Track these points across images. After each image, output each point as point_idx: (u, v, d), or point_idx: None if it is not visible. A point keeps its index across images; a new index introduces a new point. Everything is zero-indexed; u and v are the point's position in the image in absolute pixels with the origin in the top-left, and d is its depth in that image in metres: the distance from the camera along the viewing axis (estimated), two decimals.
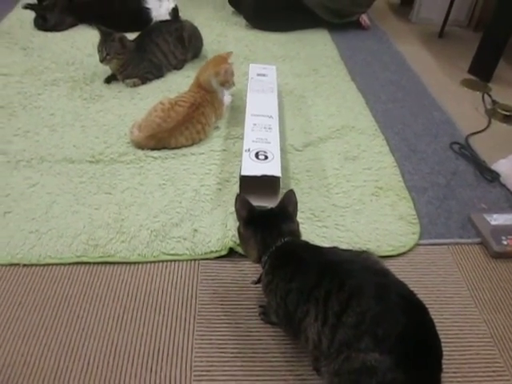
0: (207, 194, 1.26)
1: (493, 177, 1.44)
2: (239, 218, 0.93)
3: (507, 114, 1.77)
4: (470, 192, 1.39)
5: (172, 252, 1.10)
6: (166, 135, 1.39)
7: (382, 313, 0.73)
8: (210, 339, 0.94)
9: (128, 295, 1.02)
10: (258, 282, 0.95)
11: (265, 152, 1.21)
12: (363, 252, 0.87)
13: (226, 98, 1.63)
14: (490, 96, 1.88)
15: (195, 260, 1.10)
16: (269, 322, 0.97)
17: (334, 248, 0.90)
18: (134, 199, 1.24)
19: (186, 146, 1.43)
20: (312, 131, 1.57)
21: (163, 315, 0.98)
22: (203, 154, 1.42)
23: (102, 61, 1.68)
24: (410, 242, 1.18)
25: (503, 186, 1.42)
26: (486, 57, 2.04)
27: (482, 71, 2.06)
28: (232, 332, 0.95)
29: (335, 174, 1.38)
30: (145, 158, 1.39)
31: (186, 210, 1.21)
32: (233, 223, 1.16)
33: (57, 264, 1.07)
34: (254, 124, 1.33)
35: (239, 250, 1.10)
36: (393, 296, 0.75)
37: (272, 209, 0.94)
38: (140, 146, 1.41)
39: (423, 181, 1.41)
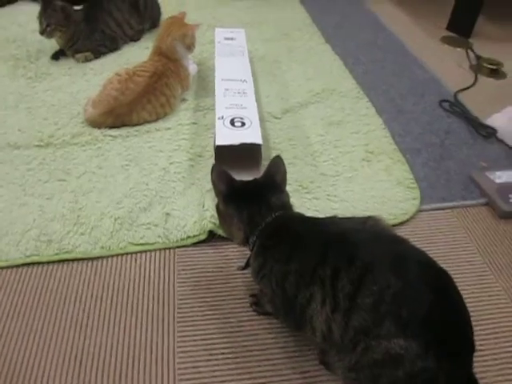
0: (178, 173, 1.10)
1: (488, 132, 1.33)
2: (217, 192, 0.78)
3: (493, 67, 1.67)
4: (467, 150, 1.27)
5: (142, 241, 0.93)
6: (126, 110, 1.21)
7: (404, 289, 0.59)
8: (195, 340, 0.78)
9: (92, 296, 0.85)
10: (246, 267, 0.80)
11: (241, 118, 1.05)
12: (368, 218, 0.72)
13: (192, 67, 1.45)
14: (473, 51, 1.77)
15: (170, 248, 0.94)
16: (263, 312, 0.82)
17: (333, 218, 0.76)
18: (92, 185, 1.06)
19: (149, 122, 1.26)
20: (290, 97, 1.41)
21: (136, 316, 0.82)
22: (170, 129, 1.25)
23: (42, 33, 1.47)
24: (412, 209, 1.05)
25: (500, 141, 1.31)
26: (465, 12, 1.93)
27: (460, 27, 1.95)
28: (220, 329, 0.80)
29: (320, 141, 1.24)
30: (102, 137, 1.20)
31: (154, 193, 1.04)
32: (211, 203, 1.00)
33: (2, 268, 0.89)
34: (226, 89, 1.17)
35: (221, 232, 0.95)
36: (413, 267, 0.62)
37: (256, 179, 0.79)
38: (96, 124, 1.23)
39: (416, 142, 1.29)
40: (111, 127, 1.22)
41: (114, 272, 0.89)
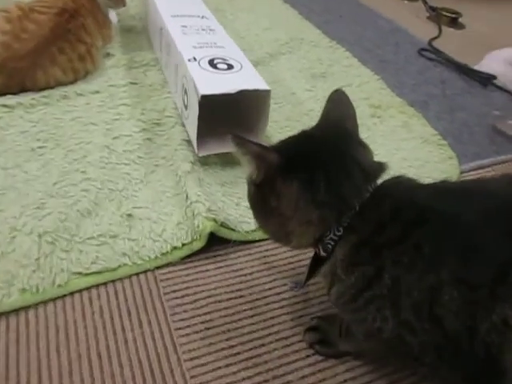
0: (130, 151, 0.70)
1: (483, 79, 1.14)
2: (265, 168, 0.41)
3: (453, 16, 1.51)
4: (472, 99, 1.07)
5: (95, 268, 0.54)
6: (25, 64, 0.77)
7: None
8: None
9: (18, 379, 0.44)
10: (308, 280, 0.46)
11: (224, 59, 0.70)
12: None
13: (111, 15, 1.04)
14: (427, 2, 1.60)
15: (146, 272, 0.56)
16: (334, 354, 0.49)
17: (448, 183, 0.45)
18: None
19: (63, 84, 0.83)
20: (253, 48, 1.08)
21: None
22: (98, 92, 0.84)
23: None
24: (454, 171, 0.80)
25: (500, 87, 1.13)
26: None
27: None
28: None
29: (312, 97, 0.93)
30: None
31: (99, 185, 0.64)
32: (198, 189, 0.63)
33: None
34: (184, 26, 0.80)
35: (226, 233, 0.59)
36: None
37: (315, 131, 0.46)
38: None
39: (416, 94, 1.05)
40: (3, 93, 0.78)
41: (53, 330, 0.49)
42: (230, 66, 0.68)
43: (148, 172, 0.68)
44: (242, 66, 0.68)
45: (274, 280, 0.58)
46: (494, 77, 1.13)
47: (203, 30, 0.80)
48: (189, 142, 0.72)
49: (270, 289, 0.57)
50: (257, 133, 0.71)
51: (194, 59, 0.68)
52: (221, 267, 0.58)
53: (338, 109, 0.46)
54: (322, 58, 1.10)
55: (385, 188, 0.40)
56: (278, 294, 0.56)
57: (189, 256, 0.58)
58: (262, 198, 0.43)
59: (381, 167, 0.42)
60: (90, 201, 0.61)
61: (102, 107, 0.80)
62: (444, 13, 1.52)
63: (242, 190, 0.67)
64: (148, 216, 0.61)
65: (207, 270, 0.58)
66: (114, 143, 0.71)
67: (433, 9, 1.55)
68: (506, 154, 0.89)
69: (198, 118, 0.63)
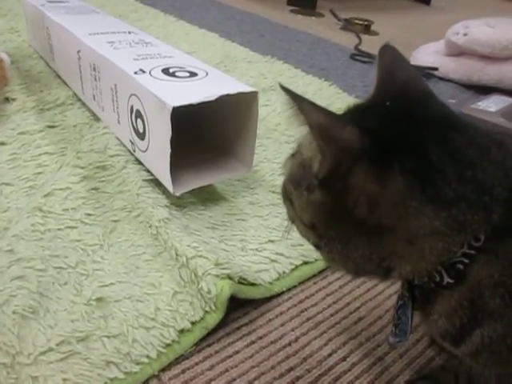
0: (74, 209, 0.50)
1: (427, 73, 1.12)
2: (334, 148, 0.26)
3: (366, 23, 1.52)
4: None
5: None
6: None
7: None
8: None
9: None
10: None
11: (181, 67, 0.53)
12: None
13: (2, 55, 0.83)
14: (336, 15, 1.59)
15: (148, 380, 0.36)
16: None
17: None
18: None
19: None
20: None
21: None
22: (4, 143, 0.62)
23: None
24: None
25: (442, 78, 1.12)
26: None
27: (303, 1, 1.79)
28: None
29: (272, 111, 0.80)
30: None
31: (40, 264, 0.42)
32: (191, 240, 0.45)
33: None
34: (111, 42, 0.62)
35: (246, 291, 0.42)
36: None
37: (383, 97, 0.31)
38: None
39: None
40: None
41: None
42: (193, 74, 0.52)
43: (107, 232, 0.48)
44: (207, 73, 0.53)
45: (330, 341, 0.41)
46: (436, 68, 1.11)
47: (137, 43, 0.64)
48: (152, 181, 0.54)
49: (329, 355, 0.40)
50: (242, 155, 0.55)
51: (142, 71, 0.51)
52: (253, 342, 0.40)
53: (402, 68, 0.33)
54: (264, 73, 0.98)
55: None
56: (344, 358, 0.39)
57: (203, 338, 0.39)
58: (334, 204, 0.27)
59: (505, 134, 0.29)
60: (31, 292, 0.39)
61: (15, 161, 0.59)
62: (357, 21, 1.52)
63: (240, 231, 0.51)
64: (126, 294, 0.41)
65: (236, 352, 0.39)
66: (46, 202, 0.50)
67: (345, 20, 1.55)
68: None
69: (170, 142, 0.45)
